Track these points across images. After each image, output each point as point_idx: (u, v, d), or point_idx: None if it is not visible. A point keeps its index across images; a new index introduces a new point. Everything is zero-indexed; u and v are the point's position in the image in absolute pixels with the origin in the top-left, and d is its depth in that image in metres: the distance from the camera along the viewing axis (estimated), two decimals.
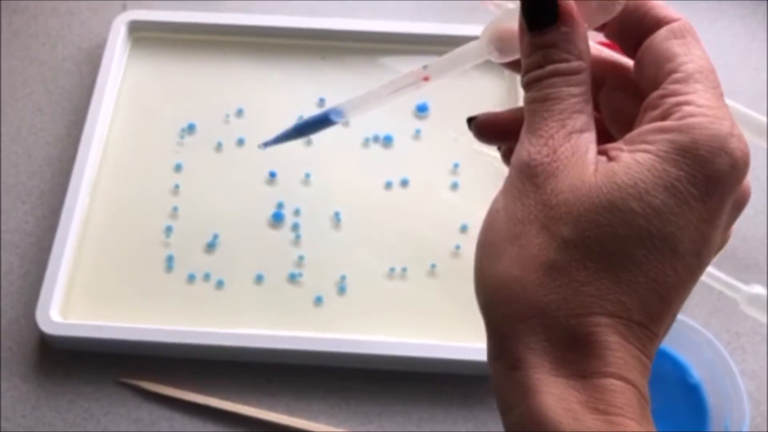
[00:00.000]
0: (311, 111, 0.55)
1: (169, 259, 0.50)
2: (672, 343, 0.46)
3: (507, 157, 0.28)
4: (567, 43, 0.24)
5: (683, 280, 0.22)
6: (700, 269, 0.23)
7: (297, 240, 0.51)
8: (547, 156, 0.23)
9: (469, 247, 0.51)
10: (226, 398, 0.47)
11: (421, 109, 0.55)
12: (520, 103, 0.54)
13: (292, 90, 0.56)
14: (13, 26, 0.60)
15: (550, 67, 0.24)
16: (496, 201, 0.24)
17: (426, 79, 0.28)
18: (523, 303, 0.22)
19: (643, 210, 0.22)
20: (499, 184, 0.57)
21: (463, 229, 0.51)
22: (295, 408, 0.46)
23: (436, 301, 0.49)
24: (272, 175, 0.53)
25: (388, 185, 0.53)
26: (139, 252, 0.50)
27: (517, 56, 0.26)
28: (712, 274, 0.45)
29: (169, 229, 0.51)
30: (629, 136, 0.23)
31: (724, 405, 0.44)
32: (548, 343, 0.22)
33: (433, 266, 0.50)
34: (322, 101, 0.56)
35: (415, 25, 0.57)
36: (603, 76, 0.26)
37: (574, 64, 0.24)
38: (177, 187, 0.53)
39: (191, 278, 0.50)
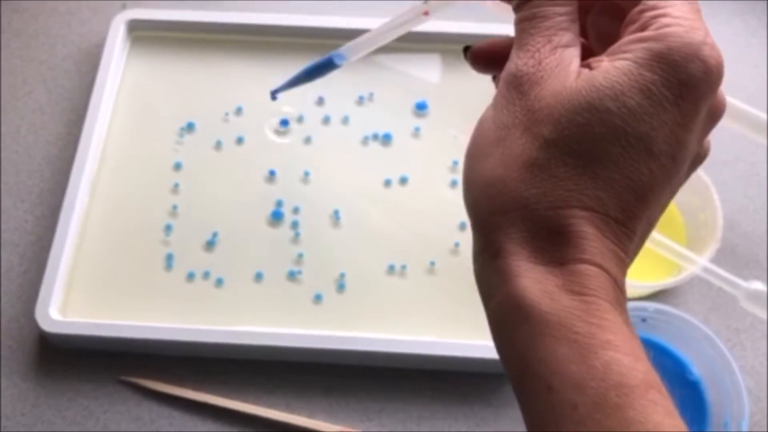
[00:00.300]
0: (311, 110, 0.55)
1: (169, 258, 0.50)
2: (672, 339, 0.46)
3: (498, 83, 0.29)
4: None
5: (658, 181, 0.23)
6: (676, 172, 0.24)
7: (296, 238, 0.51)
8: (533, 67, 0.24)
9: (469, 245, 0.50)
10: (226, 396, 0.47)
11: (421, 107, 0.55)
12: None
13: (291, 89, 0.56)
14: (13, 25, 0.60)
15: None
16: (485, 112, 0.26)
17: (426, 13, 0.29)
18: (506, 198, 0.24)
19: (619, 110, 0.23)
20: None
21: (463, 226, 0.51)
22: (295, 405, 0.46)
23: (435, 299, 0.49)
24: (272, 173, 0.53)
25: (388, 183, 0.53)
26: (138, 250, 0.51)
27: None
28: (712, 270, 0.45)
29: (168, 228, 0.51)
30: (611, 48, 0.25)
31: (724, 401, 0.44)
32: (528, 234, 0.23)
33: (433, 263, 0.50)
34: (321, 99, 0.56)
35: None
36: (590, 1, 0.27)
37: None
38: (176, 185, 0.53)
39: (191, 276, 0.50)
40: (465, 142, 0.53)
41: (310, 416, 0.46)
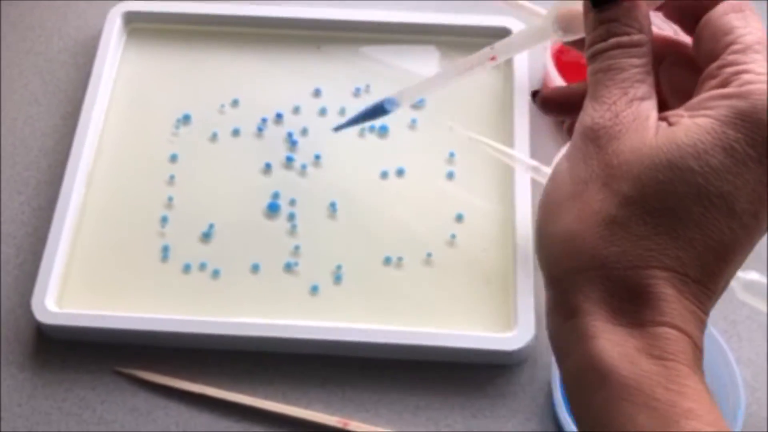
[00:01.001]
0: (307, 101, 0.55)
1: (165, 249, 0.50)
2: None
3: (570, 130, 0.29)
4: (628, 17, 0.25)
5: (740, 240, 0.23)
6: (758, 230, 0.24)
7: (293, 230, 0.51)
8: (610, 120, 0.24)
9: (465, 237, 0.51)
10: (222, 387, 0.47)
11: (418, 100, 0.55)
12: (516, 94, 0.54)
13: (287, 80, 0.56)
14: (9, 18, 0.60)
15: (613, 40, 0.25)
16: (559, 164, 0.26)
17: (493, 59, 0.30)
18: (583, 256, 0.23)
19: (702, 168, 0.23)
20: (495, 174, 0.57)
21: (459, 218, 0.51)
22: (292, 396, 0.46)
23: (432, 290, 0.49)
24: (267, 165, 0.53)
25: (384, 175, 0.53)
26: (134, 242, 0.51)
27: (581, 35, 0.27)
28: None
29: (164, 219, 0.51)
30: (689, 103, 0.24)
31: (720, 393, 0.44)
32: (605, 293, 0.23)
33: (429, 255, 0.50)
34: (317, 91, 0.56)
35: (412, 14, 0.57)
36: (663, 52, 0.27)
37: (636, 36, 0.25)
38: (172, 177, 0.53)
39: (187, 268, 0.50)
40: (461, 133, 0.53)
41: (306, 407, 0.46)
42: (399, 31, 0.57)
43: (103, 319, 0.47)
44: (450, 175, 0.53)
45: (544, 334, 0.47)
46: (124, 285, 0.49)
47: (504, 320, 0.47)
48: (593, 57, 0.26)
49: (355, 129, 0.54)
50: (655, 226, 0.23)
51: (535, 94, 0.30)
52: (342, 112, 0.55)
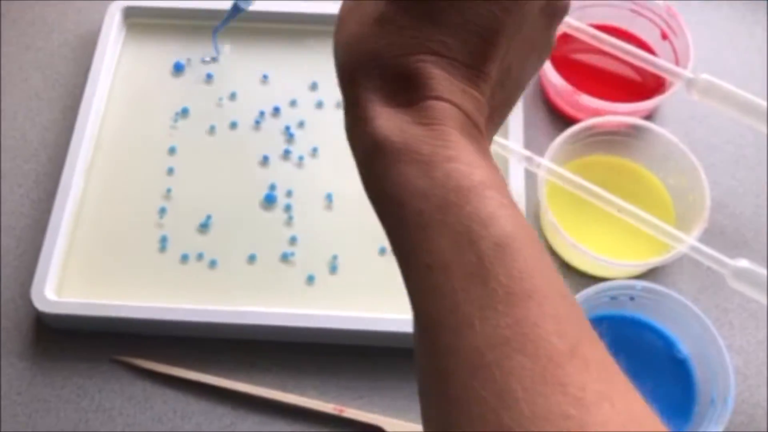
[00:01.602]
0: (304, 95, 0.56)
1: (163, 240, 0.51)
2: (660, 317, 0.46)
3: None
4: None
5: (504, 23, 0.25)
6: (521, 15, 0.25)
7: (289, 221, 0.52)
8: None
9: None
10: (219, 375, 0.47)
11: None
12: None
13: (285, 74, 0.57)
14: (10, 14, 0.60)
15: None
16: None
17: None
18: (359, 53, 0.26)
19: None
20: None
21: None
22: (288, 384, 0.47)
23: None
24: (265, 158, 0.54)
25: None
26: (133, 233, 0.51)
27: None
28: (699, 249, 0.46)
29: (163, 211, 0.52)
30: None
31: (711, 379, 0.44)
32: (380, 82, 0.25)
33: None
34: (314, 85, 0.56)
35: None
36: None
37: None
38: (171, 169, 0.53)
39: (185, 258, 0.50)
40: None
41: (302, 394, 0.47)
42: None
43: (102, 307, 0.48)
44: None
45: None
46: (123, 275, 0.50)
47: None
48: None
49: None
50: (418, 17, 0.25)
51: None
52: (339, 105, 0.55)
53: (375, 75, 0.25)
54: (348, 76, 0.26)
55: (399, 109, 0.25)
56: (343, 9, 0.27)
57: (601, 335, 0.45)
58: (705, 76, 0.49)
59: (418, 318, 0.25)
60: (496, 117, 0.27)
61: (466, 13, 0.25)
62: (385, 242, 0.50)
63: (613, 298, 0.45)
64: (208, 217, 0.51)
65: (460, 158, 0.24)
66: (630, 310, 0.45)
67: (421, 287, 0.24)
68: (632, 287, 0.45)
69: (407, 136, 0.24)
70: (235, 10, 0.51)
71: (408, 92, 0.25)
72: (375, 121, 0.25)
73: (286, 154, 0.54)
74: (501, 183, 0.25)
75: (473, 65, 0.25)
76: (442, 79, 0.25)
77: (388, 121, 0.25)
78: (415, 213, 0.24)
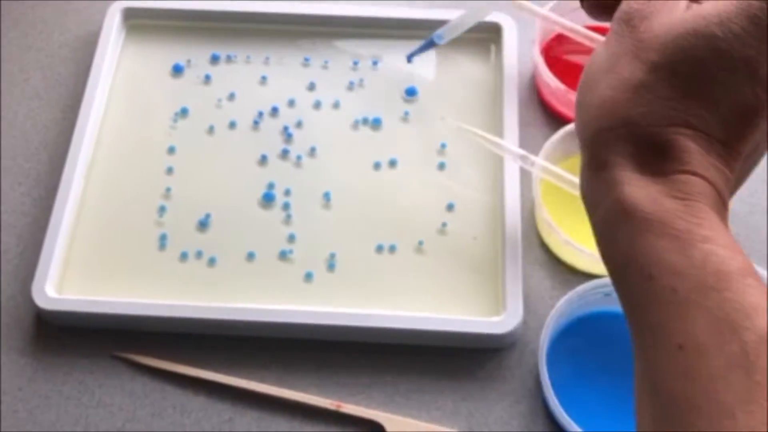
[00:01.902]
0: (302, 95, 0.57)
1: (163, 238, 0.51)
2: None
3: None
4: None
5: (763, 104, 0.25)
6: None
7: (288, 219, 0.52)
8: (643, 5, 0.26)
9: (456, 225, 0.52)
10: (218, 371, 0.48)
11: (410, 93, 0.56)
12: (506, 86, 0.55)
13: (283, 74, 0.58)
14: (11, 15, 0.61)
15: None
16: (597, 49, 0.28)
17: None
18: (614, 117, 0.25)
19: (725, 35, 0.24)
20: (485, 164, 0.58)
21: (450, 207, 0.52)
22: (286, 380, 0.48)
23: (423, 277, 0.50)
24: (263, 157, 0.54)
25: (377, 166, 0.54)
26: (133, 231, 0.52)
27: None
28: None
29: (162, 209, 0.52)
30: None
31: None
32: (633, 148, 0.25)
33: (421, 243, 0.51)
34: (312, 85, 0.57)
35: (404, 9, 0.59)
36: None
37: None
38: (170, 168, 0.54)
39: (184, 256, 0.51)
40: (452, 124, 0.54)
41: (300, 390, 0.47)
42: (391, 26, 0.58)
43: (102, 304, 0.48)
44: (441, 166, 0.54)
45: (532, 318, 0.48)
46: (123, 272, 0.50)
47: (493, 305, 0.49)
48: None
49: (349, 121, 0.55)
50: (679, 89, 0.25)
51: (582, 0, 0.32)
52: (336, 105, 0.56)
53: (628, 141, 0.25)
54: (598, 138, 0.26)
55: (651, 179, 0.25)
56: (592, 69, 0.27)
57: (596, 331, 0.46)
58: None
59: (659, 394, 0.23)
60: (732, 190, 0.27)
61: (730, 91, 0.25)
62: (383, 240, 0.51)
63: (607, 294, 0.45)
64: (207, 216, 0.52)
65: (717, 240, 0.23)
66: (606, 306, 0.46)
67: (668, 365, 0.23)
68: (608, 284, 0.45)
69: (660, 208, 0.24)
70: (430, 43, 0.54)
71: (661, 163, 0.25)
72: (625, 186, 0.25)
73: (285, 153, 0.54)
74: (754, 270, 0.24)
75: (728, 143, 0.25)
76: (697, 153, 0.25)
77: (640, 189, 0.25)
78: (668, 289, 0.23)
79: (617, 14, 0.27)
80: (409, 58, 0.54)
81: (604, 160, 0.25)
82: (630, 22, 0.26)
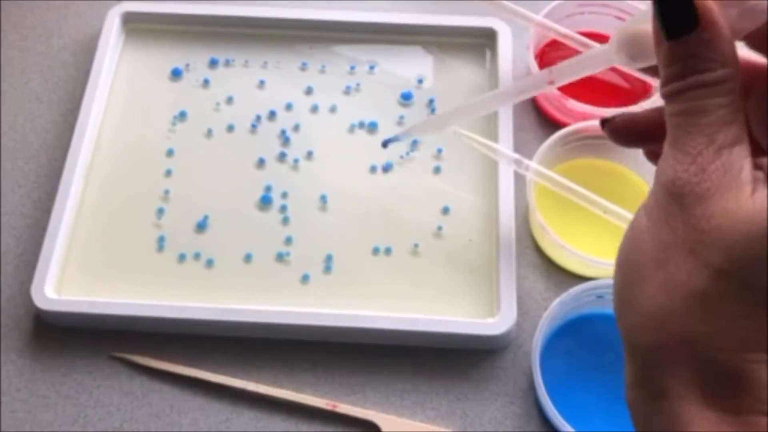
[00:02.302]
0: (300, 99, 0.57)
1: (161, 239, 0.52)
2: None
3: (650, 156, 0.27)
4: (709, 50, 0.22)
5: None
6: None
7: (285, 221, 0.53)
8: (696, 175, 0.21)
9: (451, 228, 0.53)
10: (216, 371, 0.48)
11: (406, 97, 0.57)
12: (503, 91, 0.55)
13: (281, 78, 0.58)
14: (11, 18, 0.61)
15: (693, 79, 0.22)
16: (638, 218, 0.23)
17: (551, 83, 0.28)
18: (670, 332, 0.21)
19: None
20: (479, 168, 0.58)
21: (445, 210, 0.53)
22: (283, 380, 0.48)
23: (418, 279, 0.51)
24: (261, 160, 0.55)
25: (373, 169, 0.54)
26: (131, 233, 0.52)
27: (650, 62, 0.24)
28: None
29: (160, 211, 0.53)
30: None
31: None
32: (697, 376, 0.21)
33: (416, 246, 0.52)
34: (309, 89, 0.58)
35: (400, 15, 0.59)
36: (751, 80, 0.23)
37: (720, 72, 0.22)
38: (169, 171, 0.54)
39: (182, 257, 0.51)
40: (448, 130, 0.54)
41: (297, 390, 0.48)
42: (387, 31, 0.59)
43: (100, 305, 0.49)
44: (437, 170, 0.54)
45: (526, 320, 0.49)
46: (121, 274, 0.51)
47: (487, 307, 0.49)
48: (670, 97, 0.22)
49: (346, 125, 0.56)
50: (753, 305, 0.20)
51: (603, 123, 0.28)
52: (333, 109, 0.57)
53: (691, 366, 0.21)
54: (652, 357, 0.22)
55: (720, 418, 0.21)
56: (634, 252, 0.23)
57: (588, 333, 0.46)
58: None
59: None
60: None
61: None
62: (379, 242, 0.52)
63: (599, 296, 0.46)
64: (205, 218, 0.53)
65: None
66: (600, 308, 0.46)
67: None
68: (599, 287, 0.46)
69: None
70: (395, 139, 0.50)
71: (733, 397, 0.21)
72: (689, 426, 0.21)
73: (282, 156, 0.55)
74: None
75: None
76: None
77: (707, 429, 0.21)
78: None
79: (662, 180, 0.22)
80: (385, 144, 0.51)
81: (662, 387, 0.21)
82: (682, 201, 0.21)
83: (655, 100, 0.52)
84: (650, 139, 0.25)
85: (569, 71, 0.29)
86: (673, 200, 0.22)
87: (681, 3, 0.22)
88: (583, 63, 0.28)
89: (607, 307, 0.47)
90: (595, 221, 0.48)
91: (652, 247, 0.22)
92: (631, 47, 0.25)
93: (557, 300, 0.45)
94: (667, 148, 0.22)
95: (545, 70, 0.29)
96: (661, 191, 0.22)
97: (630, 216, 0.48)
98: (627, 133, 0.27)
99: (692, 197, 0.21)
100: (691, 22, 0.22)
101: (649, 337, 0.22)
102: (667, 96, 0.23)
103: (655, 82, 0.53)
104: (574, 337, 0.47)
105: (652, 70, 0.24)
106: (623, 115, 0.27)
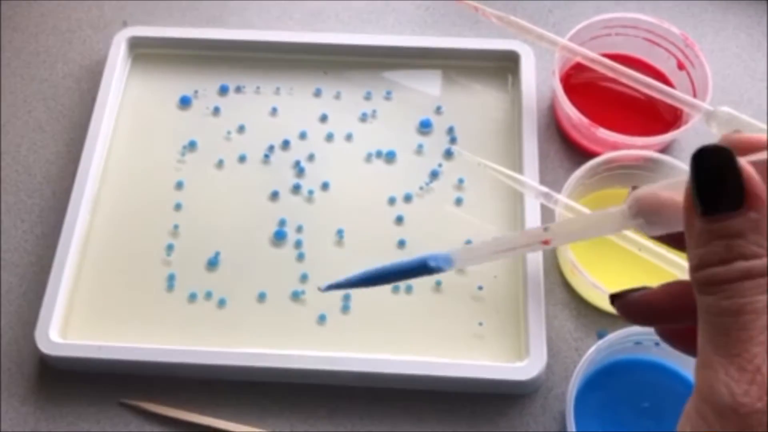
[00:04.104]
0: (314, 127, 0.55)
1: (171, 278, 0.49)
2: (686, 364, 0.44)
3: (664, 336, 0.24)
4: (758, 233, 0.19)
5: None
6: None
7: (300, 257, 0.50)
8: (760, 399, 0.18)
9: (477, 266, 0.50)
10: (230, 419, 0.46)
11: (425, 125, 0.55)
12: (524, 119, 0.53)
13: (294, 105, 0.56)
14: (13, 44, 0.59)
15: (740, 266, 0.19)
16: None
17: (546, 242, 0.24)
18: None
19: None
20: (503, 199, 0.56)
21: (468, 244, 0.50)
22: (300, 427, 0.46)
23: (442, 319, 0.48)
24: (274, 192, 0.52)
25: (392, 201, 0.52)
26: (139, 271, 0.50)
27: (671, 230, 0.22)
28: None
29: (170, 248, 0.50)
30: None
31: None
32: None
33: (438, 283, 0.49)
34: (324, 117, 0.55)
35: (418, 39, 0.57)
36: None
37: None
38: (178, 204, 0.52)
39: (192, 297, 0.49)
40: (469, 158, 0.52)
41: None
42: (405, 55, 0.57)
43: (108, 350, 0.46)
44: (458, 201, 0.52)
45: (556, 362, 0.47)
46: (129, 315, 0.48)
47: (515, 349, 0.47)
48: (710, 287, 0.19)
49: (362, 154, 0.54)
50: None
51: (614, 299, 0.25)
52: (349, 137, 0.54)
53: None
54: None
55: None
56: None
57: (624, 380, 0.43)
58: (725, 108, 0.48)
59: None
60: None
61: None
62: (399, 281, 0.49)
63: (637, 343, 0.43)
64: (217, 254, 0.50)
65: None
66: (655, 355, 0.44)
67: None
68: (639, 332, 0.43)
69: None
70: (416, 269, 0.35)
71: None
72: None
73: (296, 188, 0.53)
74: None
75: None
76: None
77: None
78: None
79: (713, 400, 0.18)
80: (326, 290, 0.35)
81: None
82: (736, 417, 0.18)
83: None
84: (665, 320, 0.22)
85: (569, 234, 0.24)
86: (734, 426, 0.18)
87: (727, 174, 0.19)
88: (589, 227, 0.24)
89: (646, 354, 0.44)
90: (628, 258, 0.46)
91: None
92: (653, 215, 0.22)
93: (593, 347, 0.42)
94: (709, 353, 0.19)
95: (540, 228, 0.25)
96: (715, 416, 0.18)
97: (667, 253, 0.45)
98: (639, 312, 0.24)
99: (762, 428, 0.18)
100: (737, 200, 0.19)
101: None
102: (703, 283, 0.19)
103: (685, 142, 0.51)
104: (610, 384, 0.44)
105: (673, 239, 0.21)
106: (636, 293, 0.24)
